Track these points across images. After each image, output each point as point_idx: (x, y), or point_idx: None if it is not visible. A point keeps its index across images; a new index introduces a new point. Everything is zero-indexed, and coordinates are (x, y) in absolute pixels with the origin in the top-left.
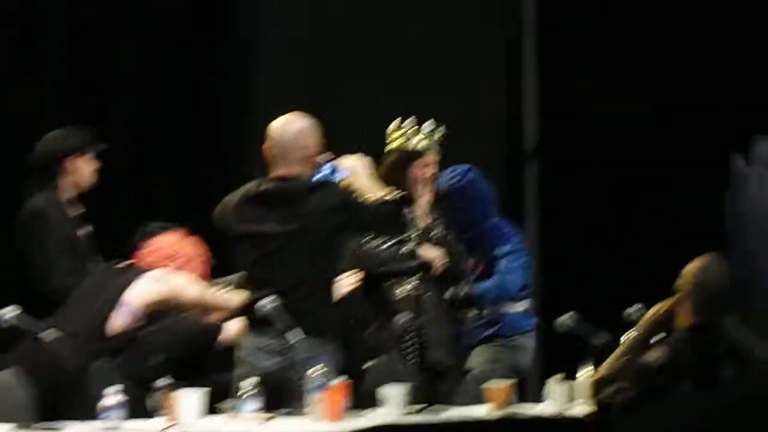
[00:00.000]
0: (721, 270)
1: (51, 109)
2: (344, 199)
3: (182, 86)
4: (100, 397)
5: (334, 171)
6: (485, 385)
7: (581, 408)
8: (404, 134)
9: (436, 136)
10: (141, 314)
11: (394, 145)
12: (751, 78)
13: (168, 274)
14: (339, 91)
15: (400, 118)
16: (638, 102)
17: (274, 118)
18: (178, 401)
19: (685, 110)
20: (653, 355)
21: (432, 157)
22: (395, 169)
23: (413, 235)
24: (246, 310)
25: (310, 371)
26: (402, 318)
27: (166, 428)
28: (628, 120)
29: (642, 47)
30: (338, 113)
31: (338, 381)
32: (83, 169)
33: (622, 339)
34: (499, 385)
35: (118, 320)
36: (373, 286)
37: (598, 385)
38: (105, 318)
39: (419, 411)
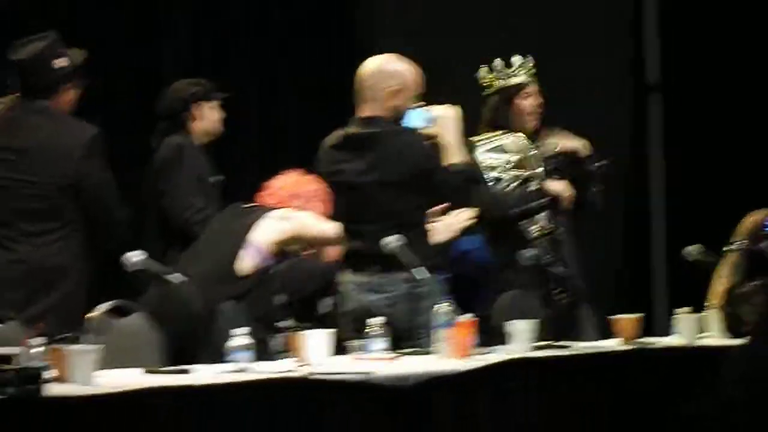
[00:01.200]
0: None
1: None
2: (422, 161)
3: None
4: (227, 338)
5: (423, 118)
6: (613, 318)
7: (710, 340)
8: (498, 73)
9: (529, 67)
10: (268, 254)
11: (492, 86)
12: None
13: (292, 212)
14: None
15: (488, 62)
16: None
17: None
18: (305, 341)
19: None
20: None
21: (532, 88)
22: (500, 107)
23: (537, 170)
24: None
25: (436, 308)
26: (528, 253)
27: (297, 368)
28: (746, 59)
29: None
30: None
31: (465, 318)
32: (211, 116)
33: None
34: (628, 318)
35: (246, 260)
36: (508, 228)
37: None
38: (233, 259)
39: (547, 346)
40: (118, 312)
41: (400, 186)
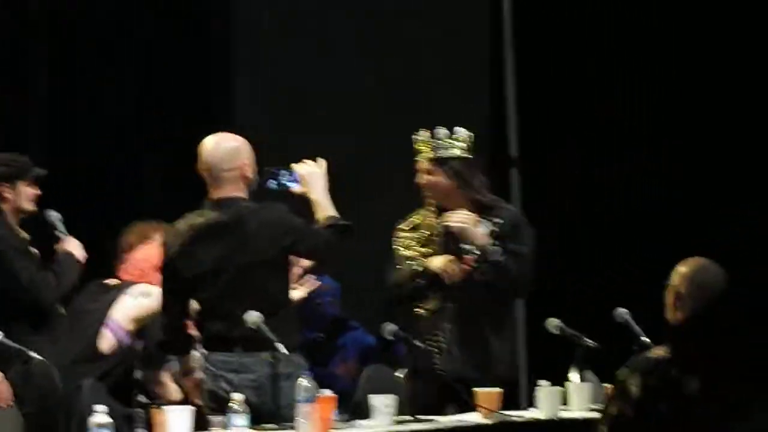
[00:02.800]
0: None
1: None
2: (289, 224)
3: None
4: (89, 415)
5: (291, 178)
6: (475, 391)
7: (572, 413)
8: (432, 143)
9: (463, 142)
10: (127, 331)
11: (425, 155)
12: None
13: (153, 288)
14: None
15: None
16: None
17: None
18: (167, 418)
19: None
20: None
21: (421, 164)
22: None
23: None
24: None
25: (297, 383)
26: (389, 326)
27: None
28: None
29: None
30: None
31: (326, 393)
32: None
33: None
34: (488, 391)
35: (107, 338)
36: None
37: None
38: (95, 338)
39: (410, 421)
40: None
41: (264, 263)
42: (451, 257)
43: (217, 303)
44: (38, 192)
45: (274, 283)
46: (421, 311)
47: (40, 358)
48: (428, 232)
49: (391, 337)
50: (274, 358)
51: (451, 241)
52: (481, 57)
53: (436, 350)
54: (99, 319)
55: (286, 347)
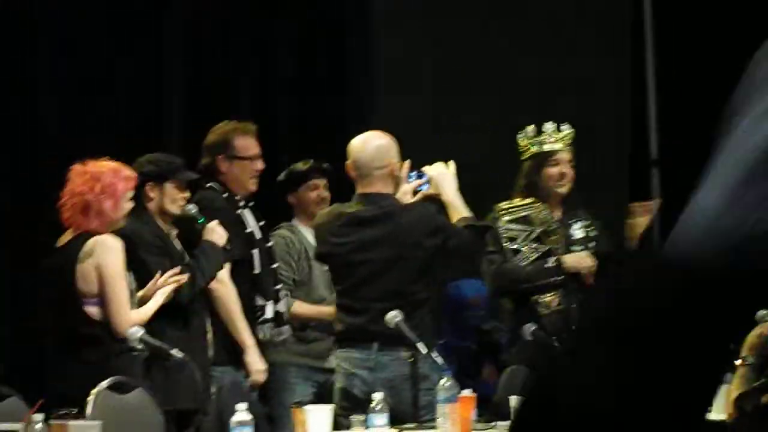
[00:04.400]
0: None
1: None
2: (436, 223)
3: None
4: (231, 413)
5: (419, 181)
6: None
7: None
8: (531, 139)
9: (563, 135)
10: None
11: (526, 152)
12: None
13: None
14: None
15: (528, 127)
16: None
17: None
18: (307, 417)
19: None
20: None
21: (561, 156)
22: (531, 173)
23: (552, 237)
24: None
25: (440, 383)
26: (530, 327)
27: None
28: None
29: None
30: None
31: (466, 393)
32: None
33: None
34: None
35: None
36: (518, 301)
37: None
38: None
39: None
40: (118, 388)
41: (407, 260)
42: (588, 255)
43: (355, 295)
44: (185, 195)
45: (415, 282)
46: (544, 309)
47: (181, 355)
48: (541, 228)
49: (530, 338)
50: (413, 357)
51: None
52: (623, 60)
53: None
54: None
55: (426, 345)
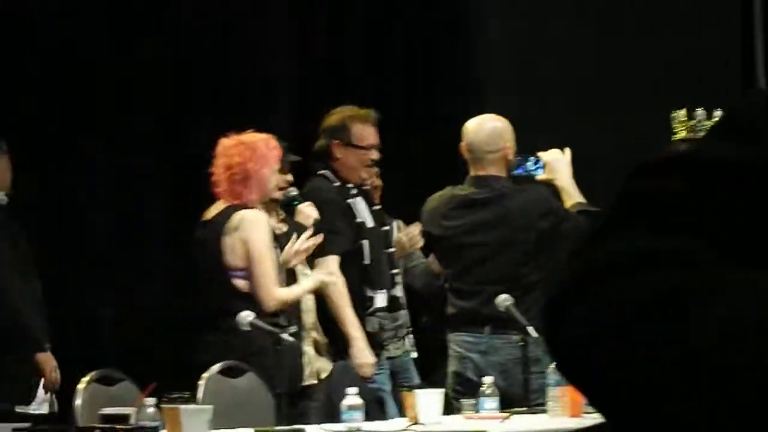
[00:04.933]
0: None
1: None
2: (549, 206)
3: None
4: (341, 397)
5: (536, 165)
6: None
7: None
8: (687, 123)
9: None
10: None
11: (678, 134)
12: None
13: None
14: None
15: (679, 111)
16: None
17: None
18: (417, 401)
19: None
20: None
21: None
22: None
23: None
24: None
25: (551, 366)
26: None
27: (409, 427)
28: None
29: None
30: None
31: None
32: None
33: None
34: None
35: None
36: None
37: None
38: None
39: None
40: (230, 372)
41: (517, 244)
42: None
43: (466, 279)
44: (289, 179)
45: (526, 264)
46: None
47: (292, 339)
48: None
49: None
50: (523, 341)
51: None
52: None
53: None
54: None
55: (536, 330)
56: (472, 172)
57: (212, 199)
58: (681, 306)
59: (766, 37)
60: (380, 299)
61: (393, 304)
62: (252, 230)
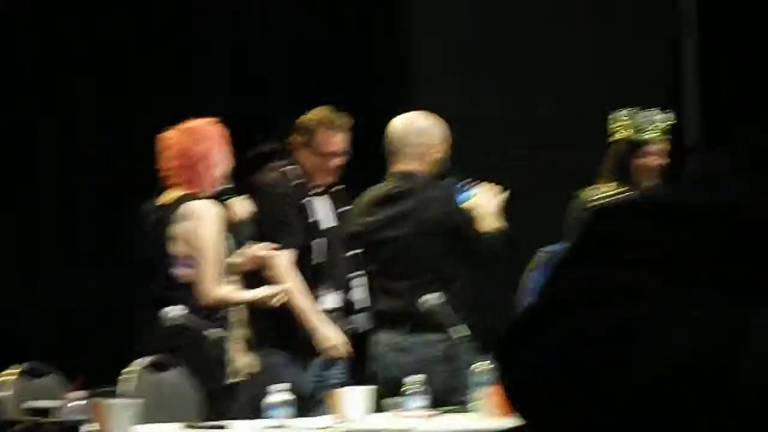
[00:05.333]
0: None
1: None
2: (453, 211)
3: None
4: (265, 394)
5: (467, 193)
6: None
7: None
8: (629, 124)
9: (663, 125)
10: None
11: (619, 135)
12: None
13: None
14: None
15: (627, 109)
16: None
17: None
18: (344, 398)
19: None
20: None
21: (658, 146)
22: (623, 159)
23: None
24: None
25: (476, 367)
26: None
27: (336, 425)
28: None
29: None
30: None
31: None
32: None
33: None
34: None
35: None
36: None
37: None
38: None
39: None
40: (156, 367)
41: (434, 236)
42: None
43: (387, 273)
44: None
45: (444, 255)
46: None
47: (217, 335)
48: None
49: None
50: (447, 338)
51: None
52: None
53: None
54: None
55: (463, 325)
56: (393, 168)
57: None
58: (627, 339)
59: (699, 36)
60: (331, 299)
61: (348, 308)
62: (200, 222)
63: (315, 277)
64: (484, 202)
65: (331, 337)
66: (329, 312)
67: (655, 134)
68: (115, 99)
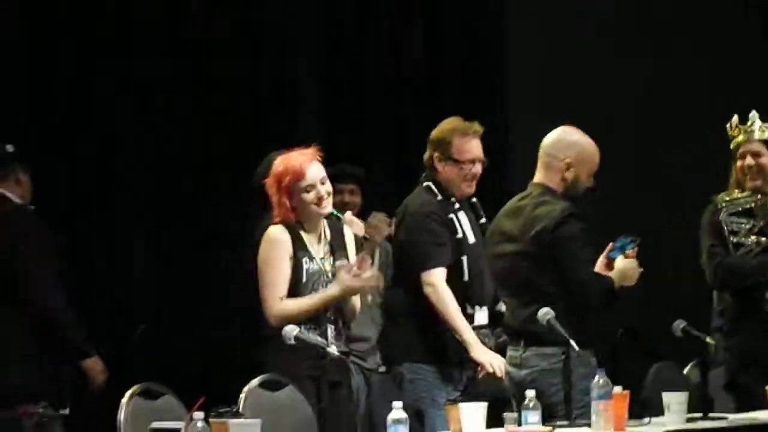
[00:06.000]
0: None
1: None
2: (550, 227)
3: None
4: (385, 411)
5: (628, 246)
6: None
7: None
8: (732, 130)
9: (748, 126)
10: None
11: (736, 141)
12: None
13: None
14: None
15: (736, 116)
16: None
17: None
18: (460, 414)
19: None
20: None
21: (746, 148)
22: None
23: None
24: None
25: (594, 381)
26: (680, 324)
27: None
28: None
29: None
30: None
31: (618, 390)
32: None
33: None
34: None
35: None
36: (740, 296)
37: None
38: None
39: (701, 418)
40: (268, 386)
41: (536, 255)
42: None
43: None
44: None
45: (547, 275)
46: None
47: (337, 353)
48: (763, 221)
49: (680, 335)
50: (559, 353)
51: None
52: None
53: None
54: None
55: (579, 344)
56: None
57: None
58: None
59: None
60: (480, 316)
61: (496, 320)
62: (261, 247)
63: (465, 295)
64: (627, 266)
65: (487, 352)
66: (479, 329)
67: (741, 137)
68: None
